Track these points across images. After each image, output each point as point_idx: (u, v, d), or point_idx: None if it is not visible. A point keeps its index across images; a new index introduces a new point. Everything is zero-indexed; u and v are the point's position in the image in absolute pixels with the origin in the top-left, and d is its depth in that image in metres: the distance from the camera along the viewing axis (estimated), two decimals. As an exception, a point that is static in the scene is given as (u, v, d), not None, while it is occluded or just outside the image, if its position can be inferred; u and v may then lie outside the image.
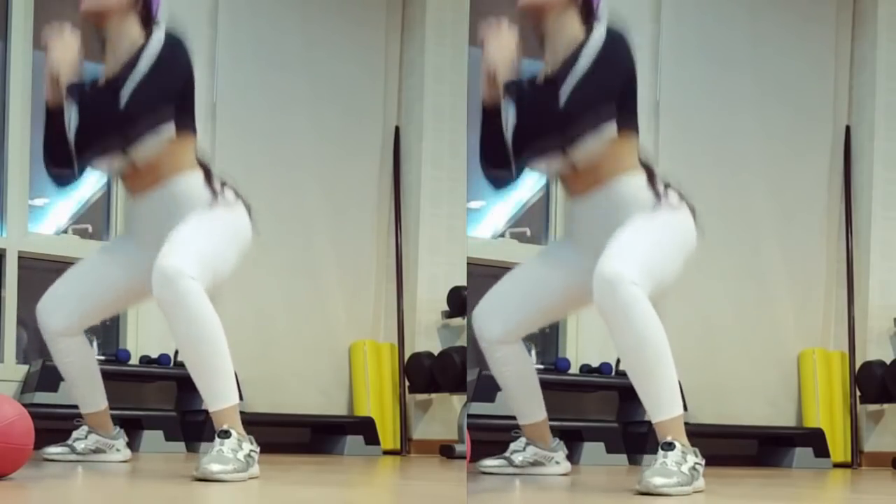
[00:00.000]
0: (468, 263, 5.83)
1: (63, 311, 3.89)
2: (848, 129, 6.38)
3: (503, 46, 3.48)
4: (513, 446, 4.02)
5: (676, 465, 3.26)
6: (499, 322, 3.87)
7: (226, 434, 3.37)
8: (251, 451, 3.40)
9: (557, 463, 4.03)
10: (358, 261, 6.17)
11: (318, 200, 6.08)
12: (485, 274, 5.75)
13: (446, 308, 6.01)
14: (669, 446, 3.28)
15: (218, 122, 5.75)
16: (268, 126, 5.96)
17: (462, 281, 5.92)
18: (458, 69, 6.09)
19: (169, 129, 3.51)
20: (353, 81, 6.19)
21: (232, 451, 3.33)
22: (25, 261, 5.35)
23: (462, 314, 5.92)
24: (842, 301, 6.25)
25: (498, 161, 3.55)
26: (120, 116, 3.43)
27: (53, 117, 3.55)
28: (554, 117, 3.38)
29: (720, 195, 6.09)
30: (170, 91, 3.51)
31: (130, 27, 3.56)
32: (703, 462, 3.34)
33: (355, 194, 6.19)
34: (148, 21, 3.57)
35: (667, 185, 3.56)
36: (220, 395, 3.45)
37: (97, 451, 4.08)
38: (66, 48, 3.53)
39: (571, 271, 3.65)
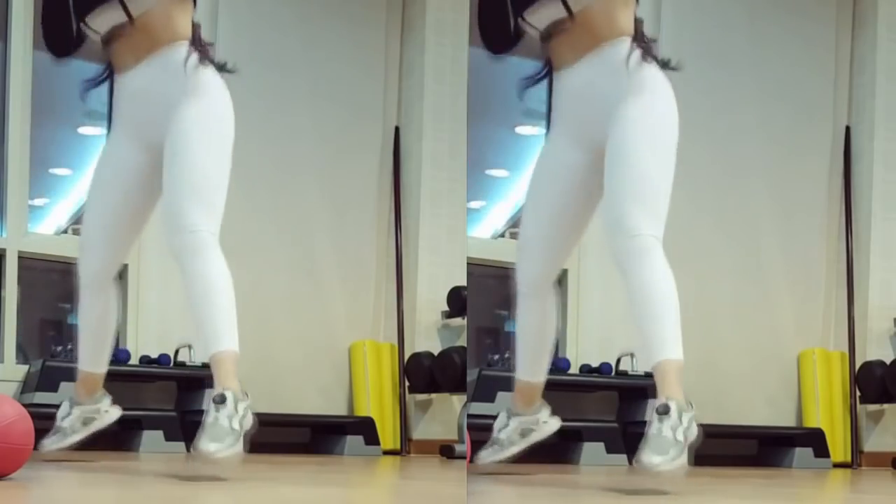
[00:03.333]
0: (468, 263, 5.83)
1: (96, 257, 3.85)
2: (848, 129, 6.38)
3: None
4: (496, 425, 3.92)
5: (672, 430, 3.23)
6: (533, 266, 3.81)
7: (222, 399, 3.32)
8: (245, 407, 3.35)
9: (545, 423, 3.91)
10: (358, 261, 6.17)
11: (318, 200, 6.08)
12: (485, 274, 5.76)
13: (446, 308, 6.01)
14: (665, 410, 3.25)
15: (218, 122, 5.74)
16: (268, 126, 5.96)
17: (462, 281, 5.92)
18: (458, 69, 6.09)
19: None
20: (353, 81, 6.19)
21: (228, 419, 3.30)
22: (25, 261, 5.35)
23: (462, 314, 5.92)
24: (842, 301, 6.25)
25: (495, 19, 3.57)
26: None
27: None
28: None
29: (720, 195, 6.09)
30: None
31: None
32: (694, 412, 3.30)
33: (355, 194, 6.19)
34: None
35: (650, 44, 3.54)
36: (222, 339, 3.45)
37: (86, 422, 4.01)
38: None
39: (576, 178, 3.63)
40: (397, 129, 6.26)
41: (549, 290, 3.85)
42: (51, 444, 3.98)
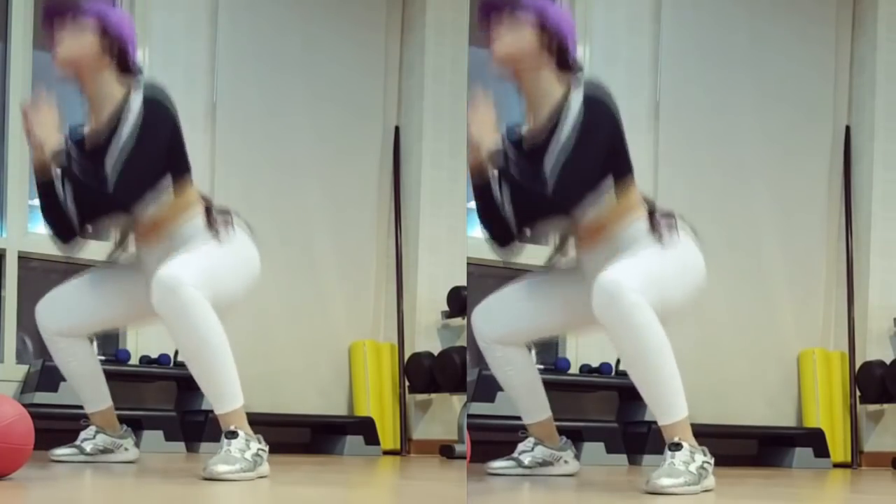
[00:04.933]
0: (468, 263, 5.83)
1: (62, 315, 3.91)
2: (848, 129, 6.38)
3: (481, 117, 3.50)
4: (521, 447, 4.00)
5: (684, 464, 3.27)
6: (496, 325, 3.88)
7: (233, 434, 3.39)
8: (259, 449, 3.42)
9: (566, 462, 4.03)
10: (358, 261, 6.17)
11: (318, 200, 6.08)
12: (485, 274, 5.76)
13: (446, 308, 6.01)
14: (677, 447, 3.30)
15: (218, 123, 5.75)
16: (268, 126, 5.96)
17: (462, 281, 5.91)
18: (458, 69, 6.09)
19: (166, 182, 3.54)
20: (353, 81, 6.19)
21: (239, 451, 3.35)
22: (25, 261, 5.35)
23: (462, 314, 5.92)
24: (842, 301, 6.25)
25: (500, 230, 3.56)
26: (114, 186, 3.45)
27: (45, 187, 3.54)
28: (547, 188, 3.39)
29: (720, 195, 6.09)
30: (159, 148, 3.50)
31: (108, 80, 3.56)
32: (711, 461, 3.36)
33: (355, 194, 6.19)
34: (126, 71, 3.57)
35: (674, 219, 3.54)
36: (225, 399, 3.46)
37: (105, 451, 4.07)
38: (44, 118, 3.52)
39: (574, 293, 3.66)
40: (397, 129, 6.26)
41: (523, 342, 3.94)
42: (64, 455, 4.01)
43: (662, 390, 3.35)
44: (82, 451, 4.03)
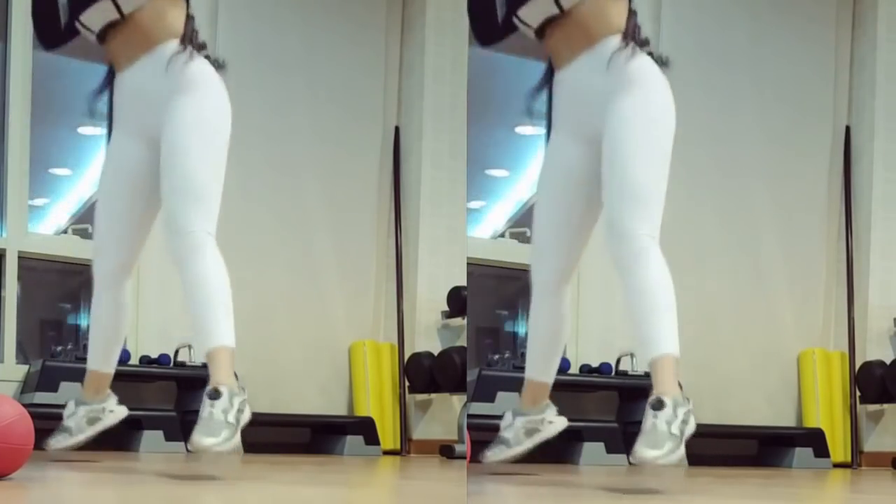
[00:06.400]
0: (468, 263, 5.83)
1: (109, 257, 3.87)
2: (848, 129, 6.37)
3: None
4: (502, 425, 3.89)
5: (667, 424, 3.22)
6: (547, 265, 3.79)
7: (216, 394, 3.35)
8: (242, 400, 3.38)
9: (551, 422, 3.88)
10: (358, 261, 6.17)
11: (318, 200, 6.08)
12: (485, 274, 5.76)
13: (446, 308, 6.01)
14: (659, 405, 3.25)
15: (218, 122, 5.74)
16: (268, 126, 5.96)
17: (462, 281, 5.91)
18: (458, 69, 6.09)
19: None
20: (353, 81, 6.19)
21: (223, 413, 3.32)
22: (25, 261, 5.35)
23: (462, 314, 5.92)
24: (842, 301, 6.25)
25: (484, 12, 3.59)
26: None
27: None
28: None
29: (720, 195, 6.09)
30: None
31: None
32: (691, 405, 3.30)
33: (355, 194, 6.19)
34: None
35: (641, 38, 3.53)
36: (216, 333, 3.47)
37: (92, 421, 4.02)
38: None
39: (581, 176, 3.63)
40: (397, 129, 6.26)
41: (564, 289, 3.84)
42: (56, 443, 3.99)
43: (657, 324, 3.36)
44: (70, 431, 3.99)
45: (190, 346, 5.49)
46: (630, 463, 3.19)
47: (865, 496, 4.03)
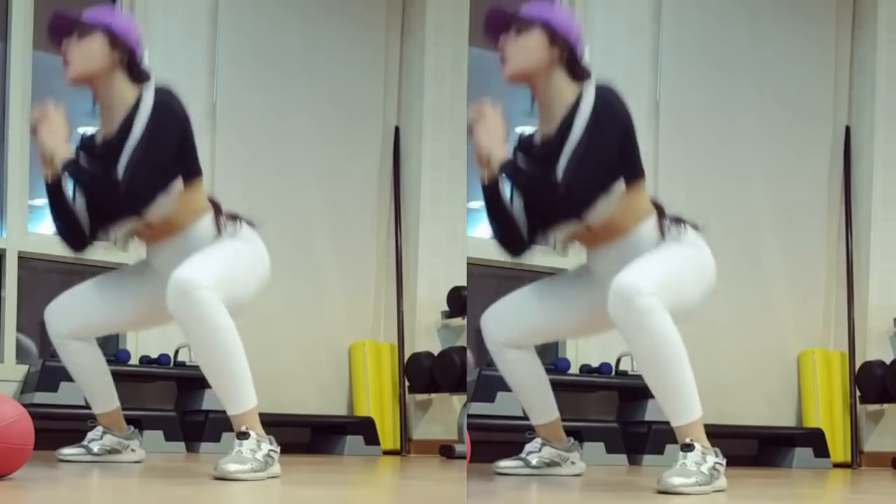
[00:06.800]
0: (468, 263, 5.83)
1: (71, 318, 3.92)
2: (848, 129, 6.37)
3: (491, 129, 3.53)
4: (528, 447, 4.01)
5: (696, 465, 3.30)
6: (506, 328, 3.87)
7: (244, 435, 3.41)
8: (270, 450, 3.44)
9: (573, 463, 4.04)
10: (358, 261, 6.17)
11: (319, 201, 6.08)
12: (485, 274, 5.76)
13: (446, 308, 6.01)
14: (689, 447, 3.33)
15: (218, 123, 5.75)
16: (268, 126, 5.96)
17: (462, 281, 5.91)
18: (458, 69, 6.09)
19: (177, 184, 3.54)
20: (353, 81, 6.19)
21: (250, 452, 3.37)
22: (25, 261, 5.35)
23: (462, 314, 5.92)
24: (842, 301, 6.25)
25: (511, 237, 3.61)
26: (126, 187, 3.44)
27: (55, 193, 3.58)
28: (559, 190, 3.39)
29: (720, 195, 6.09)
30: (169, 149, 3.50)
31: (120, 86, 3.56)
32: (723, 461, 3.38)
33: (355, 195, 6.19)
34: (137, 76, 3.57)
35: (683, 221, 3.57)
36: (239, 400, 3.48)
37: (112, 451, 4.08)
38: (53, 128, 3.53)
39: (585, 296, 3.69)
40: (397, 129, 6.26)
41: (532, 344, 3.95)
42: (71, 455, 4.02)
43: (677, 392, 3.38)
44: (90, 452, 4.04)
45: (190, 347, 5.49)
46: (658, 492, 3.24)
47: (865, 496, 4.03)
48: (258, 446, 3.40)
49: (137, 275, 3.86)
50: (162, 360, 5.45)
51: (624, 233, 3.54)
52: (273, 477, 3.42)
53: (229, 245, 3.60)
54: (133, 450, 4.13)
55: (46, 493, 2.90)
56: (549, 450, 4.00)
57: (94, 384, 4.06)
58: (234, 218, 3.65)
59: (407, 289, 6.11)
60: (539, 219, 3.53)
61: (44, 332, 5.68)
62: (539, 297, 3.86)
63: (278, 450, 3.48)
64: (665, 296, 3.31)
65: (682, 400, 3.37)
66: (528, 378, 3.94)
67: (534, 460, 3.98)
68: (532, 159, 3.50)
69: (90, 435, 4.09)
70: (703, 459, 3.31)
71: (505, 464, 3.99)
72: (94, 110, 3.65)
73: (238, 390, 3.47)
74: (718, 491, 3.34)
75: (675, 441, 3.42)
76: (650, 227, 3.53)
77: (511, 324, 3.86)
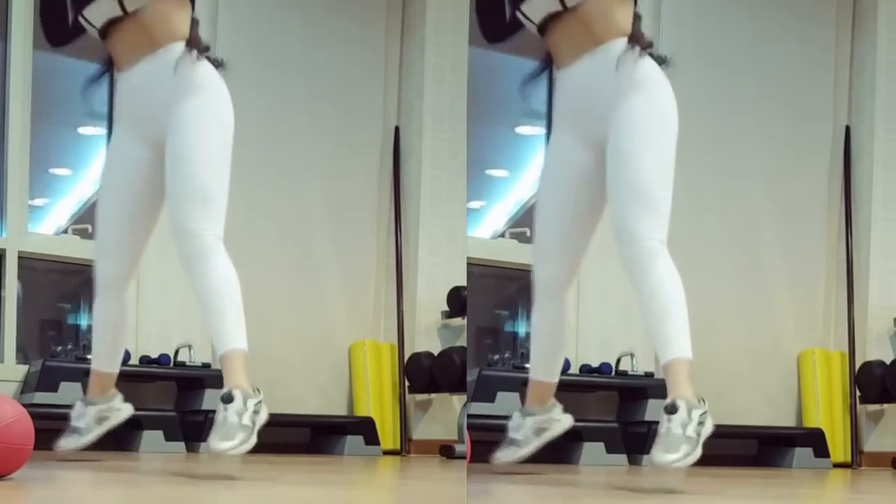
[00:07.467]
0: (468, 263, 5.83)
1: (112, 260, 3.88)
2: (848, 129, 6.37)
3: None
4: (510, 426, 3.94)
5: (682, 427, 3.26)
6: (549, 267, 3.81)
7: (229, 398, 3.35)
8: (256, 403, 3.38)
9: (558, 420, 3.96)
10: (358, 261, 6.17)
11: (318, 201, 6.08)
12: (485, 274, 5.76)
13: (446, 308, 6.01)
14: (672, 408, 3.28)
15: (218, 122, 5.74)
16: (268, 126, 5.96)
17: (462, 281, 5.91)
18: (458, 69, 6.09)
19: None
20: (353, 81, 6.19)
21: (237, 415, 3.32)
22: (25, 261, 5.35)
23: (462, 314, 5.92)
24: (842, 301, 6.25)
25: (491, 9, 3.62)
26: None
27: None
28: None
29: (720, 195, 6.09)
30: None
31: None
32: (706, 406, 3.34)
33: (355, 194, 6.19)
34: None
35: (647, 42, 3.53)
36: (228, 337, 3.49)
37: (100, 420, 4.04)
38: None
39: (583, 177, 3.65)
40: (397, 129, 6.26)
41: (566, 291, 3.88)
42: (67, 444, 4.00)
43: (669, 328, 3.42)
44: (79, 432, 4.01)
45: (190, 346, 5.50)
46: (644, 464, 3.23)
47: (865, 496, 4.03)
48: (244, 405, 3.35)
49: (124, 155, 3.78)
50: (162, 360, 5.45)
51: (598, 42, 3.51)
52: (263, 425, 3.37)
53: (206, 129, 3.63)
54: (118, 409, 4.08)
55: (46, 493, 2.90)
56: (530, 419, 3.91)
57: (107, 341, 4.02)
58: (202, 46, 3.65)
59: (407, 288, 6.11)
60: None
61: (44, 331, 5.70)
62: (563, 215, 3.75)
63: (261, 395, 3.42)
64: (664, 224, 3.43)
65: (674, 335, 3.42)
66: (553, 333, 3.89)
67: (520, 436, 3.89)
68: None
69: (73, 414, 4.04)
70: (689, 418, 3.28)
71: (499, 454, 3.92)
72: None
73: (230, 326, 3.50)
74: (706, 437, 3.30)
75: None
76: (622, 46, 3.49)
77: (556, 263, 3.79)
